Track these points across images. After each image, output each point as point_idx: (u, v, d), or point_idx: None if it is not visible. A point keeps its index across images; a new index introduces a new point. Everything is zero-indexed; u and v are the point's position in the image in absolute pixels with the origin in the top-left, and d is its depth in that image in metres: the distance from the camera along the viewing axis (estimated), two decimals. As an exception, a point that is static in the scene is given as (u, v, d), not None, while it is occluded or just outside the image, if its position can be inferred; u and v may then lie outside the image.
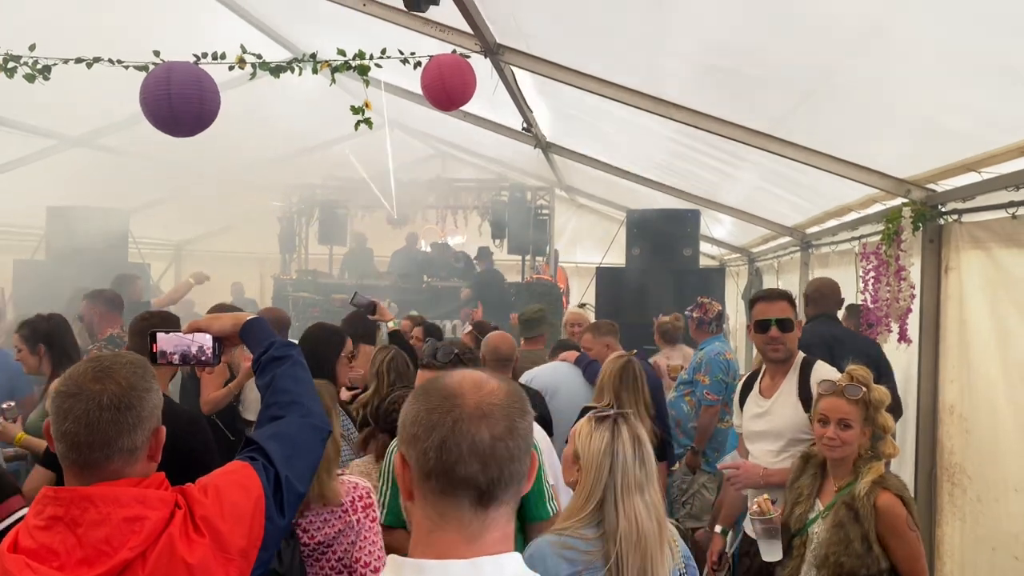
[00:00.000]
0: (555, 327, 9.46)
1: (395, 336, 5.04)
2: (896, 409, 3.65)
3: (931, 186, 4.24)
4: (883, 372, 3.64)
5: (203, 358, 2.17)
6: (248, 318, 2.18)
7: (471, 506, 1.22)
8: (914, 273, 4.38)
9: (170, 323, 3.23)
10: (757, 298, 3.64)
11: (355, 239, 12.61)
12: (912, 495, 2.92)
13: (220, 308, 5.12)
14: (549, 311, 9.16)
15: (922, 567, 2.80)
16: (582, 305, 8.19)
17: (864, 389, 2.89)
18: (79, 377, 1.62)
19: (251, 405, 4.83)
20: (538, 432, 3.08)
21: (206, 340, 2.17)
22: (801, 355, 3.53)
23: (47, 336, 4.23)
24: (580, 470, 2.24)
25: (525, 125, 7.01)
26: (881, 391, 2.90)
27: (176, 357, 2.18)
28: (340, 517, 2.59)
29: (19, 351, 4.26)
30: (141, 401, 1.65)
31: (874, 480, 2.81)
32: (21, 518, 2.30)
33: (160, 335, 2.18)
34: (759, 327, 3.49)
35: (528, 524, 2.84)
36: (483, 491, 1.21)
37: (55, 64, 4.44)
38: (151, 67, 4.31)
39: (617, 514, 2.14)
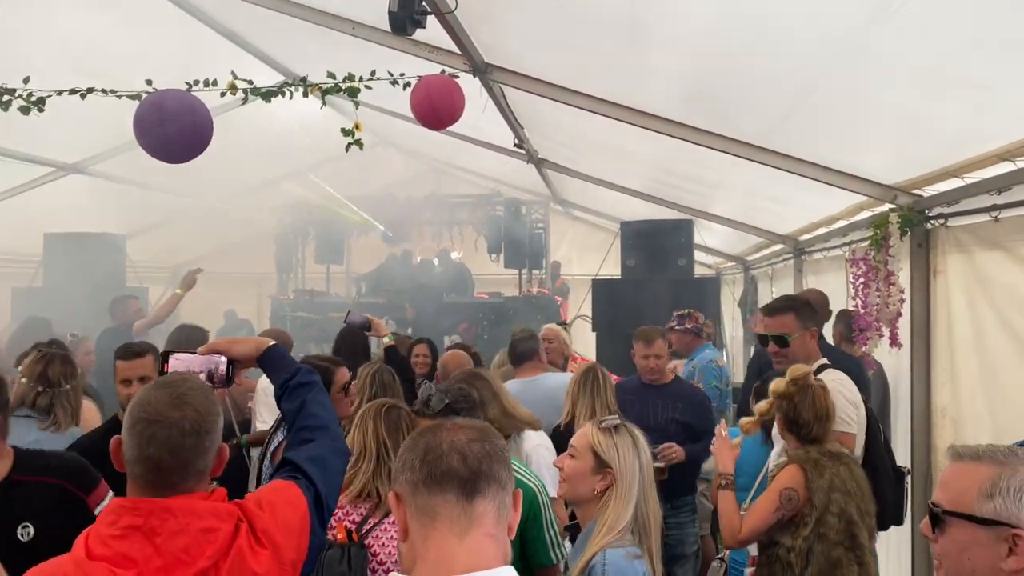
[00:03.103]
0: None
1: (391, 351, 5.07)
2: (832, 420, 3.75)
3: (917, 191, 4.30)
4: (863, 387, 3.75)
5: (215, 380, 2.20)
6: (270, 344, 2.28)
7: (457, 499, 1.36)
8: (903, 278, 4.43)
9: (194, 340, 3.29)
10: (763, 309, 3.77)
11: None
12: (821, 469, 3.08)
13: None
14: (545, 322, 9.23)
15: (749, 519, 3.07)
16: (566, 323, 8.22)
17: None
18: (157, 404, 1.71)
19: (265, 412, 4.85)
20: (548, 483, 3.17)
21: (220, 362, 2.20)
22: (819, 361, 3.64)
23: None
24: (613, 478, 2.38)
25: (517, 141, 7.08)
26: (774, 385, 3.26)
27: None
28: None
29: None
30: (214, 426, 1.78)
31: (791, 456, 3.14)
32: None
33: (173, 356, 2.22)
34: (760, 340, 3.63)
35: (536, 569, 3.01)
36: (465, 481, 1.37)
37: (49, 96, 4.49)
38: (144, 95, 4.37)
39: (648, 511, 2.37)
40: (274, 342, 2.31)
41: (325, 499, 1.94)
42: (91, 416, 4.11)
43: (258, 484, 3.75)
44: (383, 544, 2.82)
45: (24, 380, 3.53)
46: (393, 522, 2.70)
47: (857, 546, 3.00)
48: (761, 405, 3.38)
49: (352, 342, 5.28)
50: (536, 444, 3.78)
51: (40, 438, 3.40)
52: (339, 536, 2.77)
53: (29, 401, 3.52)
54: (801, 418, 3.13)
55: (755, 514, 3.07)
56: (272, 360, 2.25)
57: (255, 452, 4.77)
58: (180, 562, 1.60)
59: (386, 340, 5.21)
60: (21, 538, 2.39)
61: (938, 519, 1.70)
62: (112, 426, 3.32)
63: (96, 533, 1.61)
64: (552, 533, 3.03)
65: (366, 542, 2.78)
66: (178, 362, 2.20)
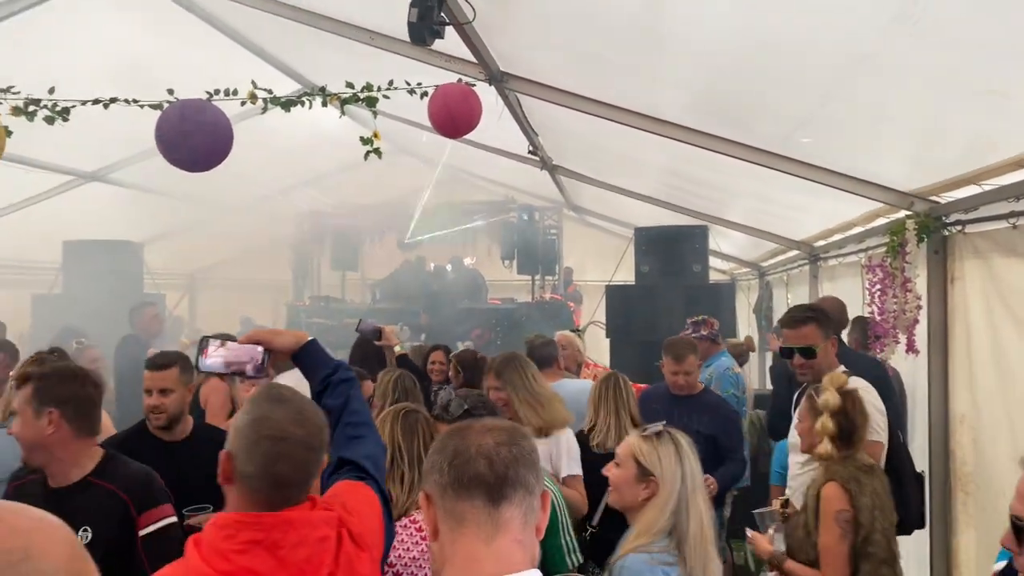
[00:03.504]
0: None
1: (403, 360, 5.10)
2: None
3: (934, 198, 4.30)
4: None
5: (250, 371, 2.20)
6: (310, 338, 2.28)
7: (484, 504, 1.37)
8: (920, 284, 4.42)
9: None
10: (782, 322, 3.75)
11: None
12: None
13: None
14: (559, 328, 9.24)
15: (830, 562, 2.84)
16: (579, 329, 8.24)
17: (812, 392, 3.11)
18: (281, 421, 1.71)
19: None
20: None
21: (256, 352, 2.20)
22: (838, 369, 3.59)
23: None
24: (657, 486, 2.40)
25: (531, 148, 7.11)
26: (825, 399, 3.03)
27: (221, 364, 2.21)
28: (417, 543, 2.68)
29: None
30: (327, 438, 1.82)
31: (826, 471, 2.96)
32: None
33: (211, 343, 2.21)
34: (784, 353, 3.61)
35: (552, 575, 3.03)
36: (491, 487, 1.37)
37: (73, 106, 4.57)
38: (165, 105, 4.43)
39: (689, 518, 2.35)
40: (313, 336, 2.32)
41: (388, 495, 1.99)
42: (104, 423, 4.16)
43: None
44: (393, 547, 2.84)
45: (12, 383, 3.56)
46: (404, 525, 2.72)
47: (895, 561, 2.98)
48: (824, 426, 3.05)
49: (368, 350, 5.31)
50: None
51: None
52: None
53: None
54: (855, 427, 3.03)
55: (830, 558, 2.86)
56: (310, 354, 2.25)
57: None
58: (304, 573, 1.63)
59: (398, 349, 5.23)
60: (81, 540, 2.44)
61: (1022, 531, 1.70)
62: (139, 431, 3.34)
63: (213, 548, 1.61)
64: (568, 539, 3.07)
65: None
66: (220, 349, 2.20)
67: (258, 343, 2.21)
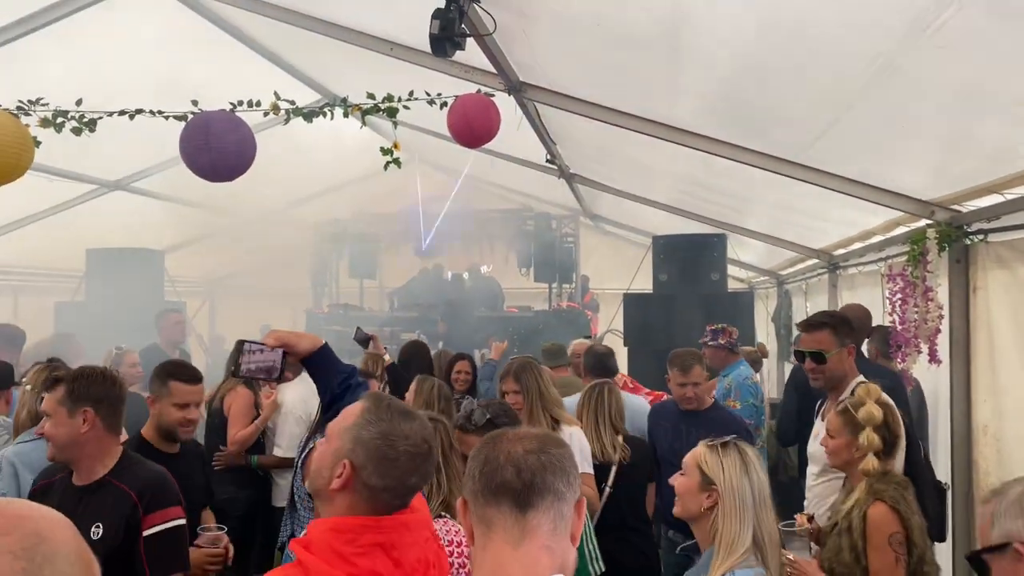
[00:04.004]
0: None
1: (392, 369, 5.24)
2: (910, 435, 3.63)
3: (955, 207, 4.28)
4: (901, 401, 3.69)
5: (274, 373, 2.31)
6: (324, 342, 2.38)
7: (511, 511, 1.40)
8: (942, 294, 4.40)
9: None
10: (799, 326, 3.73)
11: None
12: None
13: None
14: (575, 336, 9.23)
15: None
16: (588, 338, 8.22)
17: (848, 405, 2.99)
18: (423, 433, 1.82)
19: (284, 440, 4.92)
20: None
21: (277, 356, 2.29)
22: (857, 379, 3.57)
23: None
24: (719, 495, 2.38)
25: (549, 157, 7.14)
26: (867, 410, 2.92)
27: (254, 368, 2.30)
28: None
29: None
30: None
31: (870, 490, 2.82)
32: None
33: (246, 347, 2.29)
34: (797, 356, 3.59)
35: None
36: (518, 494, 1.41)
37: (100, 117, 4.64)
38: (189, 116, 4.49)
39: (763, 530, 2.34)
40: (325, 340, 2.40)
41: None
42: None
43: (293, 496, 3.79)
44: None
45: (29, 388, 3.62)
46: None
47: None
48: (870, 441, 2.92)
49: (419, 360, 5.55)
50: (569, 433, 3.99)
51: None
52: None
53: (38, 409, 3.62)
54: (896, 439, 2.96)
55: None
56: (326, 357, 2.34)
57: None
58: (415, 571, 1.71)
59: (387, 358, 5.45)
60: (92, 536, 2.54)
61: (980, 565, 1.73)
62: (141, 443, 3.34)
63: (333, 551, 1.64)
64: (592, 547, 3.08)
65: None
66: (255, 354, 2.29)
67: (283, 346, 2.29)
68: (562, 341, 6.90)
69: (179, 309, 8.05)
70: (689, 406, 4.46)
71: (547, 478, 1.42)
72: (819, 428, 3.65)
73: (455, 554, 2.46)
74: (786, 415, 5.10)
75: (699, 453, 2.48)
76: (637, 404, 5.10)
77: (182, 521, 2.69)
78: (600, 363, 5.27)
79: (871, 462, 2.87)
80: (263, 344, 2.31)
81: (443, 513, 2.65)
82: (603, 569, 3.10)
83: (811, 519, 3.18)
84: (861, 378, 3.63)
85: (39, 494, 2.72)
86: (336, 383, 2.31)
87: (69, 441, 2.65)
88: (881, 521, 2.75)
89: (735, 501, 2.35)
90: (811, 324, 3.73)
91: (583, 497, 1.48)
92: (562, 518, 1.43)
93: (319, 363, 2.34)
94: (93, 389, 2.68)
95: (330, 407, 2.45)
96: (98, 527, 2.55)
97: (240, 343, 2.31)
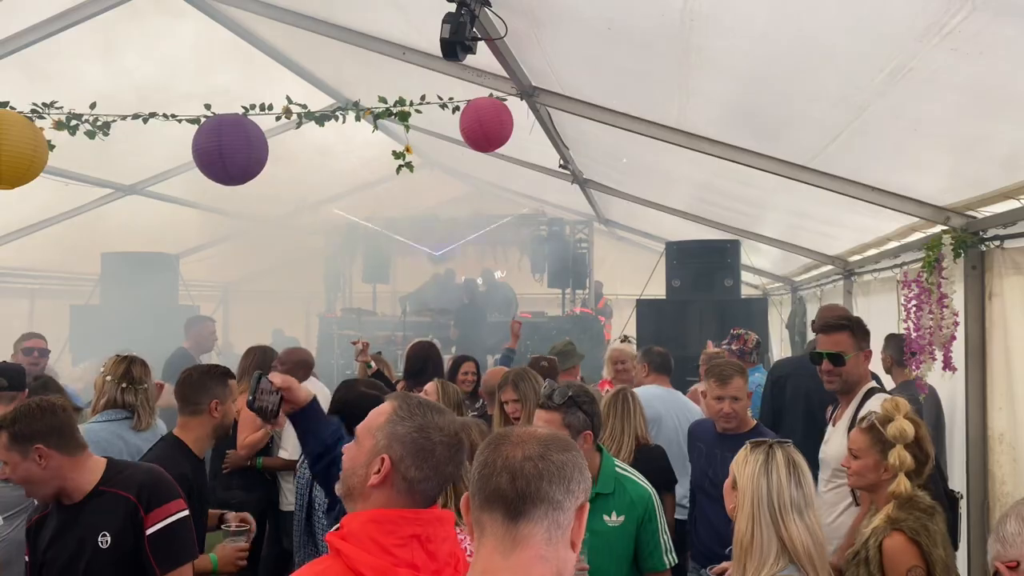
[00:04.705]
0: (595, 357, 9.51)
1: (379, 376, 5.37)
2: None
3: (971, 213, 4.23)
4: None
5: (269, 417, 2.49)
6: (313, 396, 2.55)
7: (503, 519, 1.37)
8: (957, 300, 4.34)
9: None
10: (817, 327, 3.65)
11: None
12: (941, 534, 2.63)
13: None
14: (589, 342, 9.23)
15: None
16: (624, 339, 8.18)
17: (875, 421, 2.79)
18: (448, 428, 1.86)
19: (290, 443, 4.95)
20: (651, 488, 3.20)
21: (276, 400, 2.47)
22: (869, 384, 3.52)
23: None
24: (737, 495, 2.34)
25: (562, 162, 7.13)
26: (897, 427, 2.71)
27: (258, 406, 2.49)
28: None
29: None
30: None
31: (887, 519, 2.63)
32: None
33: (262, 383, 2.48)
34: (814, 358, 3.52)
35: (646, 573, 3.05)
36: (511, 503, 1.36)
37: (114, 120, 4.68)
38: (202, 120, 4.52)
39: (790, 534, 2.22)
40: (315, 395, 2.56)
41: None
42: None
43: (310, 500, 3.80)
44: None
45: (109, 378, 3.70)
46: None
47: None
48: (903, 460, 2.69)
49: (429, 360, 5.59)
50: None
51: (134, 438, 3.62)
52: None
53: (118, 400, 3.67)
54: (928, 457, 2.74)
55: None
56: (315, 412, 2.52)
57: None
58: (447, 565, 1.73)
59: (373, 366, 5.62)
60: (101, 545, 2.54)
61: None
62: (178, 446, 3.31)
63: (373, 541, 1.67)
64: (667, 539, 3.06)
65: None
66: (264, 393, 2.48)
67: (285, 389, 2.48)
68: (575, 346, 6.88)
69: (214, 319, 8.08)
70: (727, 425, 3.84)
71: (543, 487, 1.37)
72: (830, 433, 3.59)
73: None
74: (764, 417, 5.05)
75: (739, 455, 2.41)
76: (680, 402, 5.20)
77: (185, 512, 2.68)
78: (666, 362, 5.37)
79: (903, 483, 2.63)
80: (271, 383, 2.48)
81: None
82: (676, 561, 3.09)
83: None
84: (873, 384, 3.60)
85: (36, 526, 2.70)
86: (327, 434, 2.47)
87: (37, 480, 2.60)
88: (898, 554, 2.55)
89: (748, 499, 2.28)
90: (830, 326, 3.62)
91: (586, 503, 1.44)
92: (558, 527, 1.38)
93: (309, 416, 2.50)
94: (35, 426, 2.59)
95: (321, 458, 2.56)
96: (105, 536, 2.54)
97: (259, 376, 2.47)
